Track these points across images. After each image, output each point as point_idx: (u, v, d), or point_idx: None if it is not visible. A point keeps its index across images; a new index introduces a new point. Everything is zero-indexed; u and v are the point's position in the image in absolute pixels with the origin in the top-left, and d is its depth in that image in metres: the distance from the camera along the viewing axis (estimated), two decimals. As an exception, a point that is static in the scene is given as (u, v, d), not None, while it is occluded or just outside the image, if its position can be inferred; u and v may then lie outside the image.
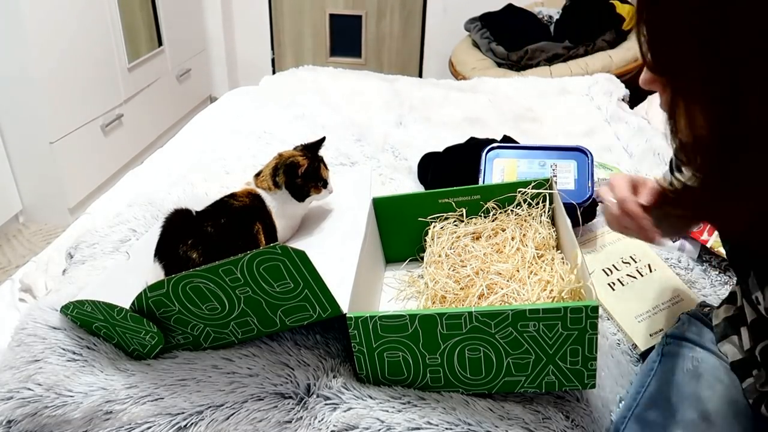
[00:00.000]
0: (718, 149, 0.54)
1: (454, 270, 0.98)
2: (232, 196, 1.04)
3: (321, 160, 1.12)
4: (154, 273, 0.92)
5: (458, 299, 0.92)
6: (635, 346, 0.98)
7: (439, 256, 1.02)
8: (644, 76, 0.62)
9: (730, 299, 0.86)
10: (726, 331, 0.82)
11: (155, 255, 0.94)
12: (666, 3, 0.53)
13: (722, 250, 1.12)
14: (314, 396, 0.80)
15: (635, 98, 2.15)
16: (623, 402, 0.86)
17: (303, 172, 1.04)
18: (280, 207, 1.05)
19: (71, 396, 0.78)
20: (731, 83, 0.50)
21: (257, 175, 1.08)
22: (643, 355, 0.95)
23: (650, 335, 0.99)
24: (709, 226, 1.14)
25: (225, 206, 1.01)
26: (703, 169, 0.57)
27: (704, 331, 0.86)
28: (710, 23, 0.49)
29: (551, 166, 1.24)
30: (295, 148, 1.15)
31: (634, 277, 1.09)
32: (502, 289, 0.90)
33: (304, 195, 1.06)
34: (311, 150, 1.13)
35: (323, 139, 1.16)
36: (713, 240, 1.14)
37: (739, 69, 0.49)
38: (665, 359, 0.85)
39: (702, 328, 0.87)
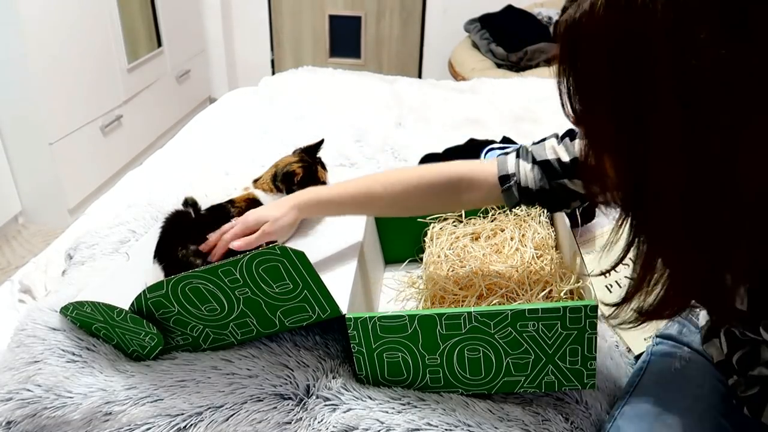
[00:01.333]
0: (625, 197, 0.62)
1: (453, 271, 0.98)
2: (230, 202, 1.04)
3: (319, 162, 1.12)
4: (154, 274, 0.93)
5: (457, 300, 0.92)
6: (629, 350, 0.98)
7: (438, 256, 1.02)
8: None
9: None
10: (708, 334, 0.83)
11: (155, 256, 0.94)
12: (585, 61, 0.61)
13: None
14: (314, 397, 0.79)
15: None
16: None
17: (299, 180, 1.05)
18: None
19: (71, 397, 0.78)
20: (639, 141, 0.55)
21: (255, 181, 1.09)
22: (638, 358, 0.95)
23: (645, 339, 0.98)
24: None
25: (223, 211, 1.02)
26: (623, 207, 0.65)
27: (692, 332, 0.87)
28: (624, 84, 0.55)
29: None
30: (294, 152, 1.15)
31: (633, 280, 1.09)
32: (501, 289, 0.90)
33: None
34: (309, 153, 1.13)
35: (321, 142, 1.16)
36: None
37: (648, 129, 0.53)
38: (654, 358, 0.86)
39: (690, 328, 0.88)
